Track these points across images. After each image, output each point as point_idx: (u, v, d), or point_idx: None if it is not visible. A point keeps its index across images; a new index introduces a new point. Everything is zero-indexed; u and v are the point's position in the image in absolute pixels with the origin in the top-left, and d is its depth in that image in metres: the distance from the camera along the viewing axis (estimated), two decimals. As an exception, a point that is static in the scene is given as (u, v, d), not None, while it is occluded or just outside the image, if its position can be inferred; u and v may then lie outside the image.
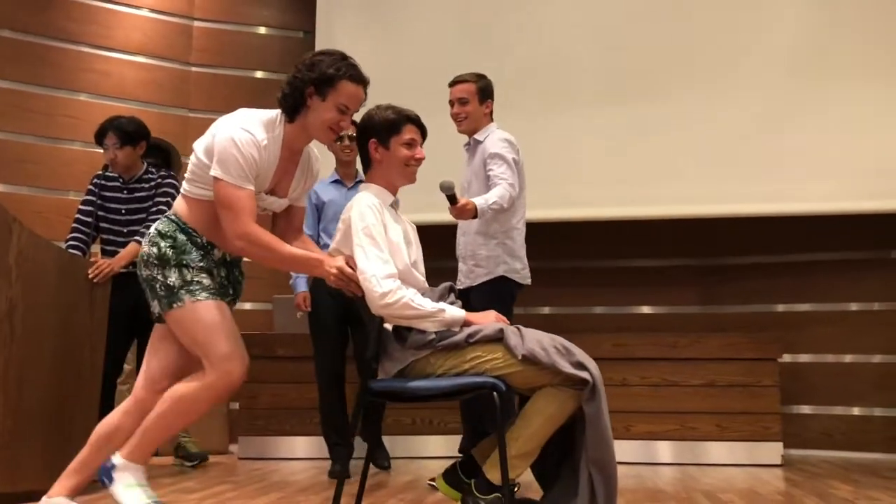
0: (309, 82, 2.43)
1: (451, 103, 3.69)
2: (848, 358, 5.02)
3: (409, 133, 2.60)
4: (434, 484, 3.48)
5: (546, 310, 5.39)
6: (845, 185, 4.78)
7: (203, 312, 2.40)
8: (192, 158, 2.48)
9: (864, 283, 5.04)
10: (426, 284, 2.59)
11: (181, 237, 2.46)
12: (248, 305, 5.27)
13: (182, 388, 2.41)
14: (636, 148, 4.99)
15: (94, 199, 3.83)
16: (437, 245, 3.73)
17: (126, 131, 3.80)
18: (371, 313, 2.46)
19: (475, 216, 3.33)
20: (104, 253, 3.80)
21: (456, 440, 4.62)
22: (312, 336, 4.11)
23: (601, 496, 2.32)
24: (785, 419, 4.50)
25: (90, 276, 3.41)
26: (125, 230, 3.78)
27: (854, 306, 5.08)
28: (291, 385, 4.62)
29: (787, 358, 4.76)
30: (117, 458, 2.44)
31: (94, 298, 3.42)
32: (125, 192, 3.83)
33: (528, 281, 3.69)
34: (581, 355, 2.37)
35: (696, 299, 5.30)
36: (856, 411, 4.94)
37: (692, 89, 5.02)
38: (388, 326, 2.49)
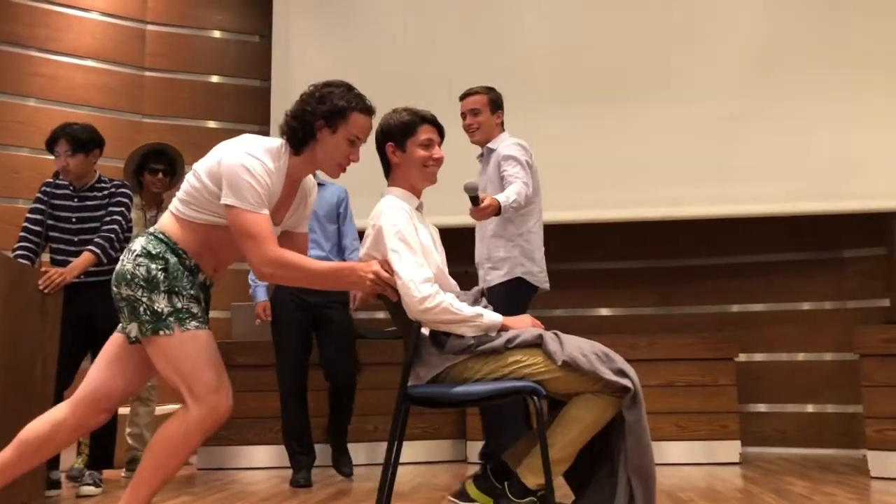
0: (319, 115, 2.38)
1: (464, 115, 3.76)
2: (801, 356, 5.13)
3: (424, 133, 2.56)
4: (453, 500, 3.47)
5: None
6: (798, 187, 4.88)
7: (191, 343, 2.28)
8: (192, 180, 2.36)
9: (816, 283, 5.16)
10: (458, 288, 2.56)
11: (172, 259, 2.33)
12: (205, 313, 5.19)
13: (168, 429, 2.29)
14: (591, 151, 5.04)
15: (42, 206, 3.73)
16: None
17: (79, 139, 3.71)
18: (407, 319, 2.41)
19: (498, 213, 3.32)
20: (54, 262, 3.70)
21: (418, 446, 4.64)
22: (275, 345, 4.07)
23: (640, 500, 2.34)
24: (742, 418, 4.57)
25: (41, 287, 3.33)
26: (76, 239, 3.68)
27: (806, 306, 5.18)
28: (251, 394, 4.55)
29: (742, 357, 4.84)
30: None
31: (45, 309, 3.34)
32: (76, 199, 3.74)
33: (546, 286, 3.68)
34: (621, 362, 2.38)
35: (653, 301, 5.36)
36: (809, 409, 5.05)
37: (647, 93, 5.08)
38: (425, 331, 2.45)
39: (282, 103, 5.39)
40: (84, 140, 3.71)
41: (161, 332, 2.26)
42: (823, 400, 5.02)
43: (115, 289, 2.34)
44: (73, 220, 3.71)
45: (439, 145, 2.60)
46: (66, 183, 3.76)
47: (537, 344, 2.40)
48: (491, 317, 2.45)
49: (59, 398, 3.49)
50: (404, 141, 2.55)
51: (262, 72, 5.58)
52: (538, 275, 3.65)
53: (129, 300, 2.30)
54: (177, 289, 2.30)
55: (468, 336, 2.40)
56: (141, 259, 2.31)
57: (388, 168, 2.61)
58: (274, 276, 2.34)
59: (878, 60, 4.90)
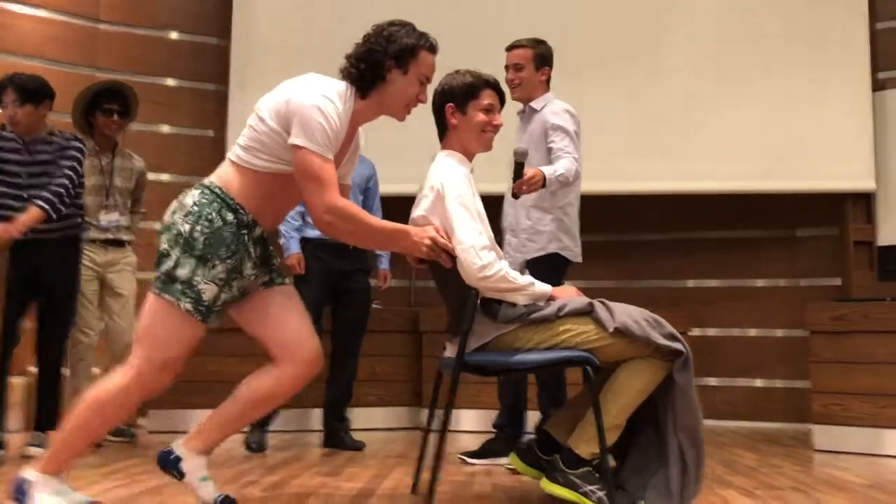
0: (390, 55, 2.29)
1: (507, 68, 3.54)
2: (752, 332, 5.23)
3: (487, 98, 2.54)
4: (464, 458, 3.48)
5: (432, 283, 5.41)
6: (755, 166, 4.95)
7: (175, 321, 2.21)
8: (256, 124, 2.26)
9: (770, 261, 5.25)
10: (504, 257, 2.54)
11: (229, 217, 2.23)
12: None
13: (106, 386, 2.23)
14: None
15: (-11, 159, 3.58)
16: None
17: (27, 88, 3.57)
18: (459, 286, 2.39)
19: (543, 186, 3.12)
20: None
21: (374, 413, 4.65)
22: None
23: (692, 462, 2.37)
24: (693, 391, 4.64)
25: (-14, 242, 3.22)
26: (25, 195, 3.54)
27: (760, 283, 5.27)
28: (206, 358, 4.49)
29: (696, 332, 4.91)
30: (28, 473, 2.24)
31: (-10, 265, 3.23)
32: (25, 153, 3.60)
33: (580, 259, 3.53)
34: (670, 327, 2.40)
35: (609, 275, 5.40)
36: (759, 383, 5.15)
37: (608, 69, 5.08)
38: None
39: (242, 61, 5.31)
40: (33, 90, 3.57)
41: (164, 295, 2.20)
42: (773, 375, 5.13)
43: (160, 240, 2.27)
44: (23, 174, 3.58)
45: (499, 112, 2.58)
46: (14, 136, 3.62)
47: (587, 312, 2.41)
48: (541, 286, 2.46)
49: (6, 355, 3.41)
50: (465, 103, 2.54)
51: (222, 29, 5.45)
52: (574, 249, 3.49)
53: (163, 253, 2.24)
54: (209, 256, 2.21)
55: (520, 305, 2.41)
56: (191, 218, 2.22)
57: (443, 130, 2.59)
58: (332, 226, 2.25)
59: (835, 44, 4.97)
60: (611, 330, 2.36)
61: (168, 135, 5.24)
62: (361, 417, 4.54)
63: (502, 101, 2.61)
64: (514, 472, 3.09)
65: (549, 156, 3.35)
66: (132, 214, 4.24)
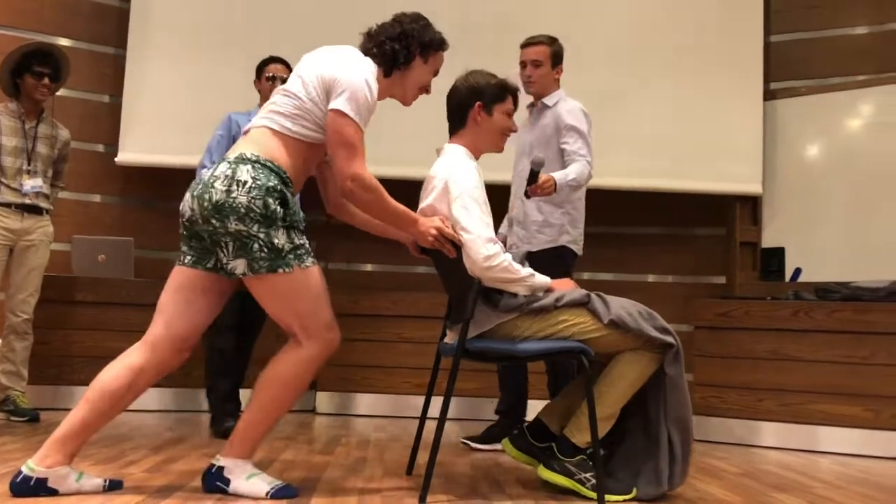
0: (420, 43, 2.44)
1: (523, 64, 3.59)
2: (642, 325, 5.40)
3: (510, 104, 2.68)
4: (467, 442, 3.53)
5: (368, 267, 5.38)
6: (651, 165, 5.10)
7: (312, 280, 2.26)
8: (301, 92, 2.29)
9: (659, 257, 5.44)
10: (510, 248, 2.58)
11: (285, 191, 2.25)
12: (42, 244, 4.83)
13: (281, 368, 2.26)
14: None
15: None
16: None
17: None
18: (462, 276, 2.44)
19: (554, 191, 3.23)
20: None
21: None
22: None
23: (679, 452, 2.48)
24: (583, 380, 4.77)
25: None
26: None
27: (650, 278, 5.46)
28: (89, 332, 4.32)
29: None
30: (224, 461, 2.30)
31: None
32: None
33: (581, 252, 3.67)
34: (662, 320, 2.49)
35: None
36: (645, 375, 5.34)
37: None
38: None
39: (141, 24, 5.07)
40: None
41: (281, 270, 2.20)
42: (658, 367, 5.32)
43: (215, 222, 2.18)
44: None
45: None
46: None
47: (584, 303, 2.49)
48: (541, 278, 2.53)
49: None
50: (493, 105, 2.63)
51: (124, -10, 5.20)
52: (579, 242, 3.64)
53: (240, 235, 2.18)
54: (296, 223, 2.26)
55: (520, 295, 2.47)
56: (256, 192, 2.18)
57: (460, 124, 2.65)
58: (353, 193, 2.32)
59: (732, 55, 5.18)
60: (606, 321, 2.46)
61: (60, 97, 4.95)
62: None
63: (515, 108, 2.74)
64: (467, 446, 3.30)
65: (562, 156, 3.46)
66: (52, 187, 4.02)
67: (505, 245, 2.81)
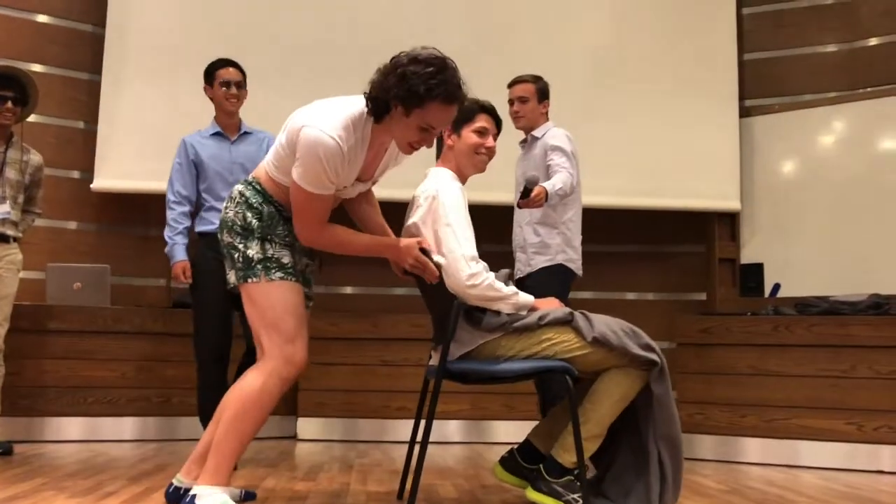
0: (395, 97, 2.23)
1: (511, 102, 3.82)
2: (624, 343, 5.40)
3: (481, 121, 2.68)
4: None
5: (348, 289, 5.34)
6: (629, 183, 5.14)
7: (277, 293, 2.32)
8: (279, 148, 2.36)
9: (640, 275, 5.46)
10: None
11: (267, 209, 2.37)
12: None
13: (242, 384, 2.30)
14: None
15: None
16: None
17: None
18: (445, 296, 2.44)
19: (546, 201, 3.40)
20: None
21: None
22: (195, 308, 3.60)
23: (669, 470, 2.46)
24: (567, 400, 4.75)
25: None
26: None
27: (631, 296, 5.47)
28: (64, 361, 4.24)
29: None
30: (197, 488, 2.28)
31: None
32: None
33: (580, 272, 3.80)
34: (646, 337, 2.47)
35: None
36: (628, 393, 5.33)
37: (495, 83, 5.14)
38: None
39: (117, 50, 5.04)
40: None
41: (250, 280, 2.33)
42: (641, 385, 5.31)
43: (219, 236, 2.43)
44: None
45: (494, 137, 2.71)
46: None
47: (568, 321, 2.49)
48: (524, 296, 2.55)
49: None
50: (461, 126, 2.66)
51: (96, 15, 5.17)
52: (576, 261, 3.77)
53: (229, 247, 2.38)
54: (270, 236, 2.36)
55: (503, 314, 2.47)
56: (240, 207, 2.37)
57: (440, 147, 2.69)
58: (312, 245, 2.44)
59: (708, 73, 5.26)
60: (589, 339, 2.46)
61: (34, 123, 4.89)
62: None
63: (498, 126, 2.75)
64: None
65: (549, 173, 3.64)
66: (25, 214, 3.93)
67: (512, 277, 2.88)
